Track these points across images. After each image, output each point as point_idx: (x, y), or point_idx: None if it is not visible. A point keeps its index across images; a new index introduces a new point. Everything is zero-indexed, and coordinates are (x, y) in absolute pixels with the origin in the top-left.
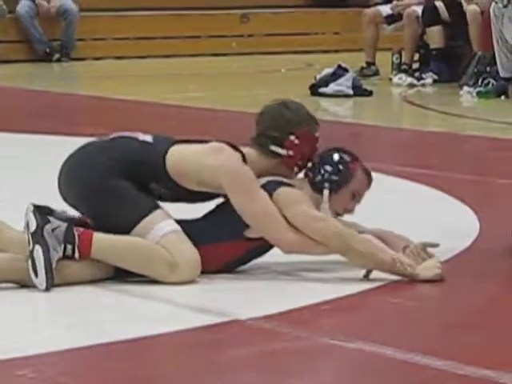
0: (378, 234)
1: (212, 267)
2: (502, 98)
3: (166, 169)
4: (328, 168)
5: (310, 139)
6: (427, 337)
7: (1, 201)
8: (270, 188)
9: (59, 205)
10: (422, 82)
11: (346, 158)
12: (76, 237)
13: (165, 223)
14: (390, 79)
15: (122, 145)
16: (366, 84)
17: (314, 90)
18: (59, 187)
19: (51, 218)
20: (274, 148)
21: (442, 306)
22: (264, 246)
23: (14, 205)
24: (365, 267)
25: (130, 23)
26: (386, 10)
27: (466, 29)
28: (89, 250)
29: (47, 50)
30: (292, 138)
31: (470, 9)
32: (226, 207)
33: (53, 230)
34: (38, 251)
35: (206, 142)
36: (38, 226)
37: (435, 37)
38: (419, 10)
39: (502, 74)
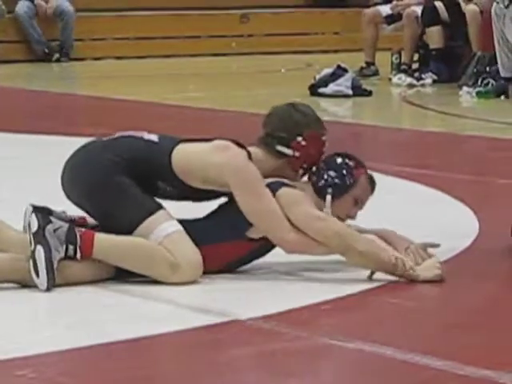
0: (381, 234)
1: (214, 267)
2: (502, 98)
3: (172, 167)
4: (332, 173)
5: (318, 142)
6: (427, 337)
7: (1, 201)
8: (272, 188)
9: (59, 205)
10: (421, 82)
11: (351, 163)
12: (78, 237)
13: (168, 224)
14: (390, 79)
15: (126, 143)
16: (366, 84)
17: (314, 90)
18: (62, 184)
19: (53, 219)
20: (280, 148)
21: (441, 306)
22: (266, 247)
23: (14, 205)
24: (366, 267)
25: (130, 23)
26: (385, 10)
27: (466, 29)
28: (91, 250)
29: (46, 50)
30: (299, 139)
31: (470, 9)
32: (229, 207)
33: (54, 231)
34: (40, 251)
35: (211, 140)
36: (39, 226)
37: (435, 37)
38: (419, 10)
39: (502, 74)
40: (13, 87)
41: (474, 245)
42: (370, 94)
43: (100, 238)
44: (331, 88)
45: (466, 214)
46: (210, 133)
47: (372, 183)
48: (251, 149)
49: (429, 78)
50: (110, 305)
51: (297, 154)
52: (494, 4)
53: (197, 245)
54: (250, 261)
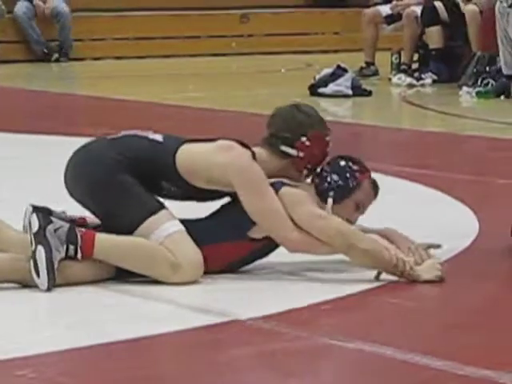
0: (384, 233)
1: (215, 267)
2: (502, 98)
3: (176, 167)
4: (334, 177)
5: (321, 142)
6: (427, 337)
7: (1, 201)
8: (275, 187)
9: (59, 205)
10: (421, 82)
11: (354, 168)
12: (79, 237)
13: (170, 224)
14: (390, 79)
15: (130, 142)
16: (366, 84)
17: (313, 90)
18: (65, 182)
19: (53, 219)
20: (284, 148)
21: (441, 307)
22: (268, 247)
23: (14, 205)
24: (368, 267)
25: (130, 23)
26: (385, 10)
27: (465, 29)
28: (91, 250)
29: (45, 50)
30: (303, 139)
31: (469, 9)
32: (231, 207)
33: (55, 231)
34: (41, 252)
35: (215, 140)
36: (40, 226)
37: (434, 37)
38: (418, 10)
39: (505, 72)
40: (12, 87)
41: (474, 245)
42: (369, 94)
43: (101, 238)
44: (331, 88)
45: (466, 214)
46: (209, 133)
47: (375, 188)
48: (255, 149)
49: (428, 78)
50: (111, 305)
51: (301, 154)
52: (498, 3)
53: (198, 245)
54: (252, 261)
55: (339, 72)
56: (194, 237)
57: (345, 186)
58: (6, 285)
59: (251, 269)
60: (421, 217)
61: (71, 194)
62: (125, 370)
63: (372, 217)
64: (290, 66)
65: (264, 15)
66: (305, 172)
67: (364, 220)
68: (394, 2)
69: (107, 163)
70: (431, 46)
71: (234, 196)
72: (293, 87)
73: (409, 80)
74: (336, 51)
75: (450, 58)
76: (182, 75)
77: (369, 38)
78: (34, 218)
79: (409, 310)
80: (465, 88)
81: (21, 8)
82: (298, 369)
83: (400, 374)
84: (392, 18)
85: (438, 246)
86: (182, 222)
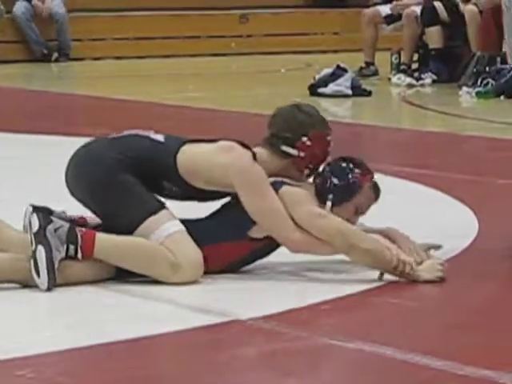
0: (385, 232)
1: (215, 267)
2: (501, 98)
3: (177, 168)
4: (334, 180)
5: (323, 142)
6: (427, 337)
7: (1, 201)
8: (275, 187)
9: (59, 205)
10: (421, 82)
11: (356, 171)
12: (79, 237)
13: (170, 224)
14: (389, 79)
15: (131, 141)
16: (365, 84)
17: (313, 90)
18: (66, 181)
19: (54, 218)
20: (285, 148)
21: (441, 307)
22: (268, 246)
23: (14, 205)
24: (368, 266)
25: (130, 23)
26: (385, 10)
27: (465, 29)
28: (92, 250)
29: (44, 51)
30: (304, 139)
31: (469, 9)
32: (231, 207)
33: (55, 230)
34: (41, 251)
35: (216, 140)
36: (40, 226)
37: (434, 37)
38: (418, 10)
39: (510, 62)
40: (12, 87)
41: (474, 245)
42: (369, 94)
43: (101, 237)
44: (331, 88)
45: (466, 214)
46: (209, 133)
47: (376, 191)
48: (256, 149)
49: (428, 78)
50: (111, 305)
51: (302, 154)
52: None
53: (198, 245)
54: (253, 261)
55: (339, 72)
56: (194, 237)
57: (344, 189)
58: (6, 285)
59: (251, 269)
60: (421, 217)
61: (72, 194)
62: (125, 370)
63: (372, 217)
64: (289, 66)
65: (263, 15)
66: (306, 172)
67: (364, 220)
68: (394, 2)
69: (108, 163)
70: (431, 46)
71: (234, 196)
72: (293, 87)
73: (408, 80)
74: (336, 51)
75: (449, 58)
76: (182, 75)
77: (368, 38)
78: (35, 217)
79: (409, 309)
80: (465, 88)
81: (19, 8)
82: (297, 369)
83: (400, 374)
84: (392, 18)
85: (438, 247)
86: (183, 222)
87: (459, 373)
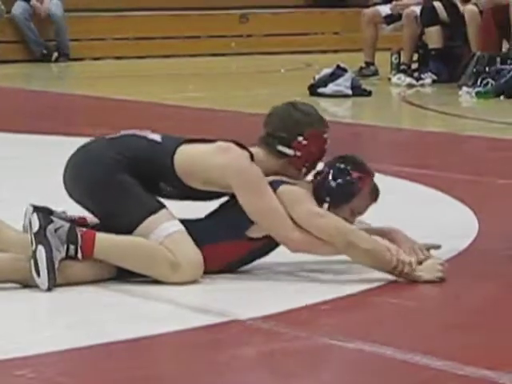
0: (386, 232)
1: (214, 267)
2: (501, 98)
3: (174, 168)
4: (333, 183)
5: (319, 140)
6: (427, 337)
7: (1, 201)
8: (273, 186)
9: (59, 205)
10: (420, 82)
11: (356, 174)
12: (79, 237)
13: (169, 223)
14: (389, 79)
15: (129, 142)
16: (365, 84)
17: (313, 90)
18: (64, 182)
19: (54, 218)
20: (281, 148)
21: (441, 306)
22: (267, 246)
23: (14, 205)
24: (368, 266)
25: (130, 23)
26: (385, 10)
27: (465, 29)
28: (92, 250)
29: (44, 51)
30: (300, 138)
31: (468, 9)
32: (230, 207)
33: (55, 230)
34: (41, 251)
35: (214, 141)
36: (40, 226)
37: (434, 37)
38: (418, 10)
39: None
40: (12, 87)
41: (474, 245)
42: (369, 94)
43: (101, 237)
44: (331, 88)
45: (466, 214)
46: (209, 133)
47: (375, 192)
48: (252, 149)
49: (428, 78)
50: (111, 304)
51: (298, 153)
52: None
53: (197, 244)
54: (252, 261)
55: (339, 72)
56: (193, 237)
57: (342, 193)
58: (6, 285)
59: (250, 269)
60: (421, 217)
61: (70, 195)
62: (124, 370)
63: (372, 217)
64: (289, 66)
65: (263, 15)
66: (304, 170)
67: (363, 219)
68: (394, 2)
69: (106, 163)
70: (431, 46)
71: (231, 195)
72: (292, 87)
73: (408, 80)
74: (336, 51)
75: (449, 58)
76: (182, 75)
77: (368, 38)
78: (35, 217)
79: (409, 309)
80: (464, 88)
81: (18, 8)
82: (297, 369)
83: (400, 374)
84: (391, 18)
85: (437, 247)
86: (182, 221)
87: (459, 373)
